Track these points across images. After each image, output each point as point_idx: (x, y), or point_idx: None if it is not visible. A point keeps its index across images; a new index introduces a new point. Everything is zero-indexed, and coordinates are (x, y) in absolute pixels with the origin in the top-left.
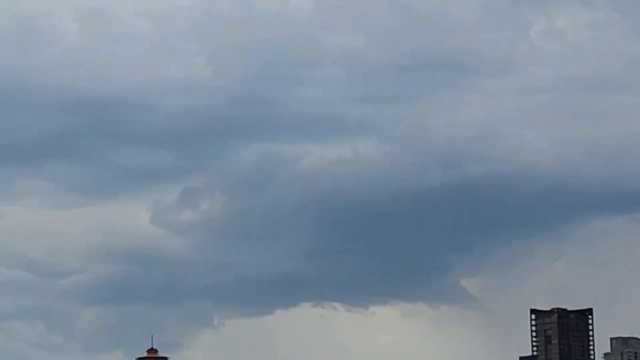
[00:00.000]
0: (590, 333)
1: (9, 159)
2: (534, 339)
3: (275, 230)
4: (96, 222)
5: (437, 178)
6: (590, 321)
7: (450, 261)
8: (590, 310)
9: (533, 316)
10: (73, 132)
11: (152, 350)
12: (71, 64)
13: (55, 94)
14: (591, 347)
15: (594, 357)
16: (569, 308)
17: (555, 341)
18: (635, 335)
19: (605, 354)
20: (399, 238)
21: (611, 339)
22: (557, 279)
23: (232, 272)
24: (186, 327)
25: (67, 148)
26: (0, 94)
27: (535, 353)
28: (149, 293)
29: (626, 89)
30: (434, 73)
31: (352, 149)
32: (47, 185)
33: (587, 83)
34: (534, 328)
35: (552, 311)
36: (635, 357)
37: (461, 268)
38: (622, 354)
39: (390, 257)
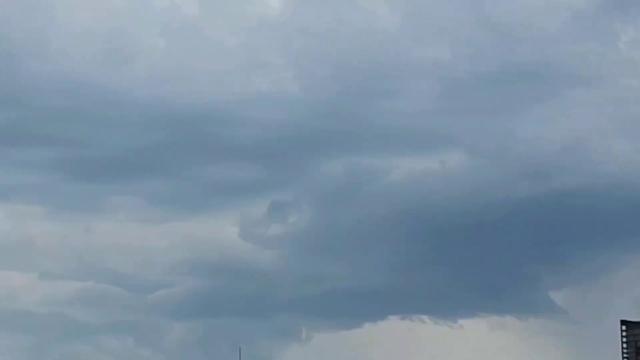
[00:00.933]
0: None
1: (97, 175)
2: (625, 350)
3: (363, 244)
4: (184, 237)
5: (526, 190)
6: None
7: (538, 273)
8: None
9: (624, 327)
10: (161, 147)
11: None
12: (159, 80)
13: (143, 109)
14: None
15: None
16: None
17: None
18: None
19: None
20: (487, 251)
21: None
22: None
23: (320, 285)
24: (274, 340)
25: (155, 163)
26: (88, 110)
27: None
28: (237, 307)
29: None
30: (521, 85)
31: (439, 162)
32: (135, 200)
33: None
34: (624, 339)
35: None
36: None
37: (550, 280)
38: None
39: (478, 269)
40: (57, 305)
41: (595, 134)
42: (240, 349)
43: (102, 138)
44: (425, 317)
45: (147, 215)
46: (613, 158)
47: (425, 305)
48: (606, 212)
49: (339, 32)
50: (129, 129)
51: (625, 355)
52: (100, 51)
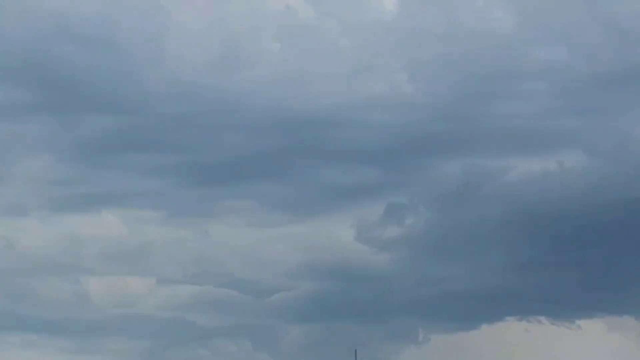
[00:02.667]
0: None
1: (214, 179)
2: None
3: (480, 245)
4: (300, 240)
5: None
6: None
7: None
8: None
9: None
10: (277, 151)
11: None
12: (275, 84)
13: (259, 114)
14: None
15: None
16: None
17: None
18: None
19: None
20: (606, 251)
21: None
22: None
23: (437, 287)
24: (391, 343)
25: (271, 167)
26: (205, 115)
27: None
28: (354, 309)
29: None
30: (639, 84)
31: (557, 162)
32: (252, 204)
33: None
34: None
35: None
36: None
37: None
38: None
39: (596, 270)
40: (176, 309)
41: None
42: (356, 351)
43: (218, 143)
44: (542, 318)
45: (264, 219)
46: None
47: (543, 306)
48: None
49: (455, 35)
50: (244, 133)
51: None
52: (215, 56)
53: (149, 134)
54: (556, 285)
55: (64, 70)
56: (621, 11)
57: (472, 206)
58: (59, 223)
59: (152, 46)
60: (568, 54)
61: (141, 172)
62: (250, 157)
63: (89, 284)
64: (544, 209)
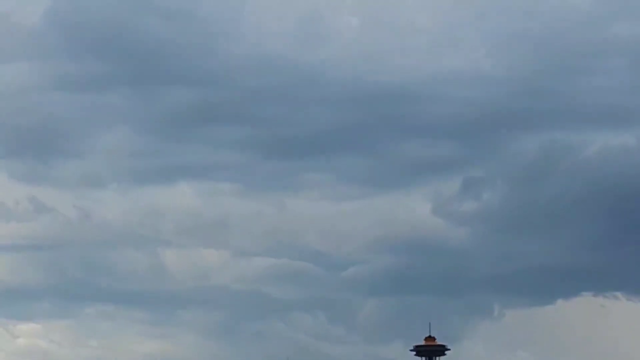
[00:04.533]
0: None
1: (293, 153)
2: None
3: (557, 221)
4: (378, 214)
5: None
6: None
7: None
8: None
9: None
10: (356, 125)
11: (429, 338)
12: (353, 58)
13: (337, 88)
14: None
15: None
16: None
17: None
18: None
19: None
20: None
21: None
22: None
23: (513, 263)
24: (466, 317)
25: (350, 140)
26: (285, 88)
27: None
28: (429, 284)
29: None
30: None
31: (636, 137)
32: (330, 177)
33: None
34: None
35: None
36: None
37: None
38: None
39: None
40: (251, 282)
41: None
42: (430, 324)
43: (297, 117)
44: (618, 294)
45: (341, 192)
46: None
47: (619, 281)
48: None
49: (535, 11)
50: (323, 107)
51: None
52: (294, 30)
53: (228, 107)
54: (633, 262)
55: (144, 43)
56: None
57: (549, 181)
58: (137, 195)
59: (232, 20)
60: None
61: (219, 144)
62: (328, 131)
63: (166, 256)
64: (622, 185)
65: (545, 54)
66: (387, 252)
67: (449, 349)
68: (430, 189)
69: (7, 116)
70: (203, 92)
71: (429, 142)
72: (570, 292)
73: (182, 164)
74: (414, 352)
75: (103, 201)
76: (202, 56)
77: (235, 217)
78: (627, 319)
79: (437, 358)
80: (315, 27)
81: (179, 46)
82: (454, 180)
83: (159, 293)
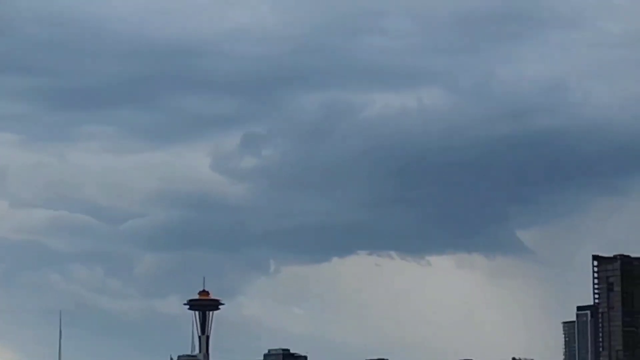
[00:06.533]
0: None
1: (76, 104)
2: (596, 286)
3: (336, 179)
4: (158, 168)
5: (502, 130)
6: None
7: (508, 212)
8: None
9: (595, 262)
10: (138, 79)
11: (204, 292)
12: (139, 13)
13: (122, 42)
14: None
15: None
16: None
17: (617, 289)
18: None
19: None
20: (460, 189)
21: None
22: (617, 230)
23: (290, 220)
24: (243, 273)
25: (131, 94)
26: (70, 41)
27: (597, 301)
28: (207, 239)
29: None
30: (502, 25)
31: (417, 99)
32: (111, 130)
33: None
34: (595, 275)
35: (615, 258)
36: None
37: (519, 219)
38: None
39: (449, 207)
40: (29, 233)
41: (575, 76)
42: (204, 277)
43: (80, 69)
44: (393, 253)
45: (122, 145)
46: (591, 101)
47: (395, 241)
48: (581, 154)
49: None
50: (106, 60)
51: (596, 291)
52: None
53: (10, 57)
54: (409, 222)
55: None
56: None
57: (329, 140)
58: None
59: None
60: None
61: (1, 95)
62: (111, 84)
63: None
64: (400, 146)
65: (329, 13)
66: (165, 206)
67: (223, 304)
68: (210, 144)
69: None
70: None
71: (210, 97)
72: (346, 250)
73: None
74: (188, 307)
75: None
76: None
77: (14, 167)
78: (401, 277)
79: (211, 312)
80: None
81: None
82: (234, 136)
83: None
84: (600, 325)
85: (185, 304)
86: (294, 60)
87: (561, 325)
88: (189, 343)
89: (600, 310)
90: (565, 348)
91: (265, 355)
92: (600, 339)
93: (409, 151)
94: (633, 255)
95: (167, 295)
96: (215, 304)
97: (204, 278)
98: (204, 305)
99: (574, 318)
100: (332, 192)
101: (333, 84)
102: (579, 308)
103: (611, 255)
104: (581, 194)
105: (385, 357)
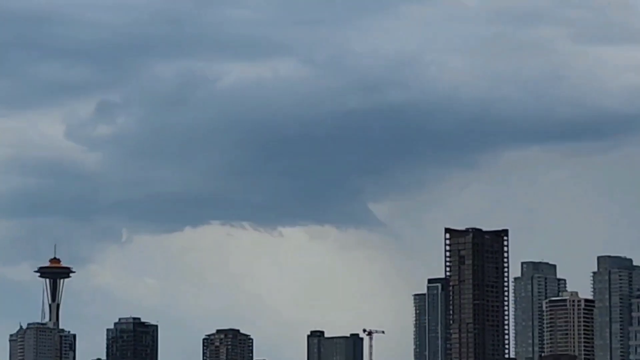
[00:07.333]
0: (505, 255)
1: None
2: (448, 259)
3: (191, 149)
4: (9, 135)
5: (357, 103)
6: (505, 243)
7: (360, 185)
8: (505, 232)
9: (447, 235)
10: None
11: (54, 260)
12: None
13: None
14: (505, 270)
15: (508, 279)
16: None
17: (469, 262)
18: (546, 261)
19: (516, 278)
20: (313, 161)
21: (522, 263)
22: (470, 203)
23: (144, 189)
24: (94, 242)
25: None
26: None
27: (448, 274)
28: (59, 207)
29: (554, 21)
30: None
31: (272, 70)
32: None
33: (514, 14)
34: (447, 248)
35: (466, 231)
36: (545, 282)
37: (371, 192)
38: (532, 279)
39: (302, 179)
40: None
41: (430, 50)
42: (55, 245)
43: None
44: (246, 224)
45: None
46: (446, 75)
47: (248, 212)
48: (434, 128)
49: None
50: None
51: (448, 263)
52: None
53: None
54: (263, 193)
55: None
56: None
57: (185, 110)
58: None
59: None
60: None
61: None
62: None
63: None
64: (256, 117)
65: None
66: (17, 173)
67: (74, 272)
68: (64, 111)
69: None
70: None
71: (65, 64)
72: (199, 220)
73: None
74: (39, 274)
75: None
76: None
77: None
78: (253, 248)
79: (62, 280)
80: None
81: None
82: (88, 103)
83: None
84: (450, 298)
85: (35, 272)
86: (150, 29)
87: (412, 298)
88: (39, 311)
89: (451, 283)
90: (415, 320)
91: (115, 324)
92: (451, 312)
93: (263, 122)
94: (485, 229)
95: (18, 262)
96: (66, 272)
97: (55, 246)
98: (54, 273)
99: (425, 291)
100: (187, 162)
101: (189, 54)
102: (430, 281)
103: (463, 228)
104: (433, 168)
105: (236, 327)
